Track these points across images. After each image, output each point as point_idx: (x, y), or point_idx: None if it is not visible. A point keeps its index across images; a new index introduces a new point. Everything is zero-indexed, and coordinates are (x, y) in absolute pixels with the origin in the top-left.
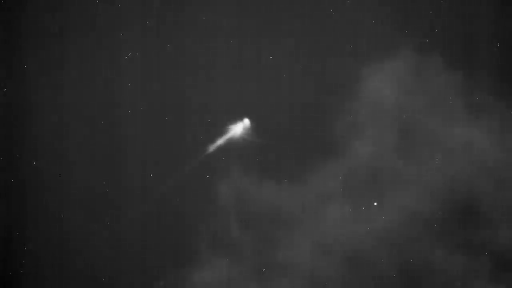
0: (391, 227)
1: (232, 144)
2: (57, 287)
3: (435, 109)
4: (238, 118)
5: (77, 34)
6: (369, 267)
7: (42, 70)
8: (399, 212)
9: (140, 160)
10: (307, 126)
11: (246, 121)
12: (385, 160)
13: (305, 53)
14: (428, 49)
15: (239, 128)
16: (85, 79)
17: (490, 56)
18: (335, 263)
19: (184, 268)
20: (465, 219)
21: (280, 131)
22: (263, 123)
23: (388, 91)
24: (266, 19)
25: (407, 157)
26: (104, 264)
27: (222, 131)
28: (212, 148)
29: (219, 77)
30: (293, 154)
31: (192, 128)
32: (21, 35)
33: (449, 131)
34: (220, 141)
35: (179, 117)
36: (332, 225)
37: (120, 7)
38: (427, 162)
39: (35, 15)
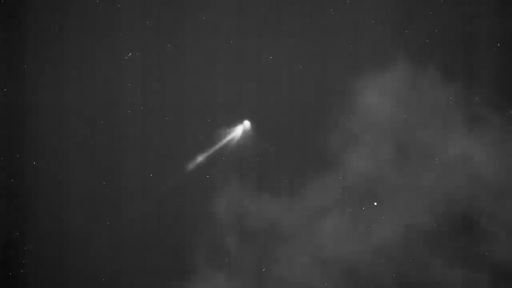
0: (389, 239)
1: (232, 146)
2: (57, 287)
3: (433, 119)
4: (238, 118)
5: (77, 34)
6: (367, 279)
7: (42, 70)
8: (398, 225)
9: (140, 160)
10: (307, 127)
11: (247, 123)
12: (384, 172)
13: (305, 53)
14: (428, 52)
15: (239, 130)
16: (85, 79)
17: (490, 57)
18: (333, 276)
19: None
20: (464, 231)
21: (280, 131)
22: (263, 123)
23: (388, 101)
24: (266, 19)
25: (409, 168)
26: (104, 264)
27: (222, 132)
28: (211, 150)
29: (219, 77)
30: (293, 157)
31: (192, 128)
32: (21, 35)
33: (447, 142)
34: (220, 144)
35: (179, 117)
36: (331, 237)
37: (120, 7)
38: (426, 174)
39: (35, 15)
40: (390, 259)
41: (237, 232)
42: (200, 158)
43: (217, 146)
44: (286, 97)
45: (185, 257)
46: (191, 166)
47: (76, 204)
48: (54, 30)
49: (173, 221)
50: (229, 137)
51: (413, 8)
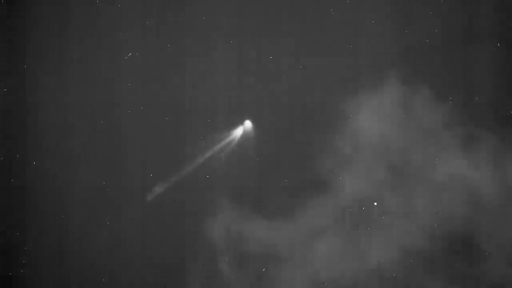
0: (387, 260)
1: (232, 146)
2: (57, 287)
3: (428, 140)
4: (238, 118)
5: (77, 34)
6: None
7: (42, 70)
8: (395, 246)
9: (140, 160)
10: (307, 127)
11: (248, 123)
12: (383, 192)
13: (305, 53)
14: (428, 56)
15: (239, 130)
16: (85, 79)
17: (490, 57)
18: None
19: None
20: (463, 251)
21: (280, 131)
22: (262, 123)
23: (384, 121)
24: (266, 19)
25: (409, 188)
26: (104, 264)
27: (222, 132)
28: (212, 151)
29: (219, 77)
30: (293, 157)
31: (192, 128)
32: (21, 35)
33: (444, 161)
34: (221, 144)
35: (179, 117)
36: (327, 259)
37: (120, 7)
38: (424, 194)
39: (35, 15)
40: (387, 280)
41: (234, 252)
42: (159, 188)
43: (217, 147)
44: (286, 97)
45: (184, 263)
46: (150, 196)
47: (76, 204)
48: (54, 30)
49: (173, 221)
50: (229, 138)
51: (413, 8)
